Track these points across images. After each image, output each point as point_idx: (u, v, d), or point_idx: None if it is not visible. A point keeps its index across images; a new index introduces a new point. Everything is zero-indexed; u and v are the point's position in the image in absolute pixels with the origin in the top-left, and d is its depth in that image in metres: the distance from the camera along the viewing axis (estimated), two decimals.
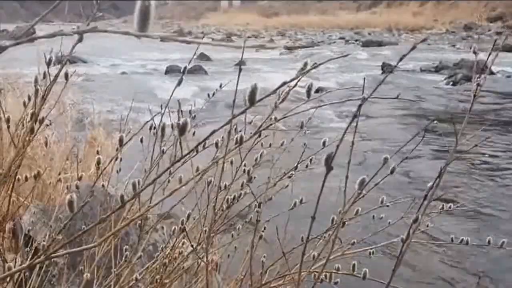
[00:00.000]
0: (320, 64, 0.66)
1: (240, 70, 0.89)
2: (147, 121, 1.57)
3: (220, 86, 2.12)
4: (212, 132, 0.71)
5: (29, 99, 1.58)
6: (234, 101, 0.88)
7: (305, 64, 0.68)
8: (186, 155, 0.69)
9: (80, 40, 0.60)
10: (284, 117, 1.20)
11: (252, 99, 0.62)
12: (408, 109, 10.06)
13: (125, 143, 1.08)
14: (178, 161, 0.69)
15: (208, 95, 2.33)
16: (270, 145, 1.97)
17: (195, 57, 1.72)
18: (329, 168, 0.73)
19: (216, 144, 1.37)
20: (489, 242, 1.59)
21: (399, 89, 12.12)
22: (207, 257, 0.98)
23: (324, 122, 8.74)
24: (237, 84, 0.91)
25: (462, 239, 1.64)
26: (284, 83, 0.63)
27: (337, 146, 0.75)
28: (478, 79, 0.99)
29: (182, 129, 0.67)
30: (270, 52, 24.00)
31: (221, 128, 0.69)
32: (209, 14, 76.07)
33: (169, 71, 15.62)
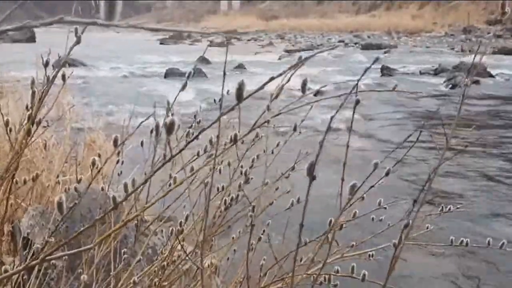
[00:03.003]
0: (310, 57, 0.66)
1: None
2: (142, 121, 1.57)
3: (227, 92, 2.12)
4: (202, 131, 0.71)
5: (31, 103, 1.58)
6: (221, 99, 0.89)
7: (300, 58, 0.68)
8: (176, 154, 0.69)
9: (78, 41, 0.59)
10: (279, 114, 1.20)
11: (239, 96, 0.62)
12: (407, 113, 10.06)
13: (120, 143, 1.08)
14: (168, 161, 0.70)
15: (214, 100, 2.34)
16: (272, 152, 1.97)
17: (194, 60, 1.72)
18: (312, 177, 0.73)
19: (210, 140, 1.37)
20: (488, 243, 1.58)
21: (399, 93, 12.13)
22: (201, 262, 0.98)
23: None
24: (222, 84, 0.91)
25: (462, 241, 1.63)
26: (272, 78, 0.63)
27: (320, 146, 0.75)
28: (466, 80, 0.99)
29: (169, 128, 0.67)
30: (269, 56, 24.05)
31: (212, 127, 0.69)
32: (209, 17, 76.20)
33: (169, 74, 15.61)
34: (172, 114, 1.29)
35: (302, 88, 0.76)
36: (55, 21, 0.47)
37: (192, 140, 0.72)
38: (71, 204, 0.77)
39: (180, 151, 0.69)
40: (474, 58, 1.01)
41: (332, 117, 0.72)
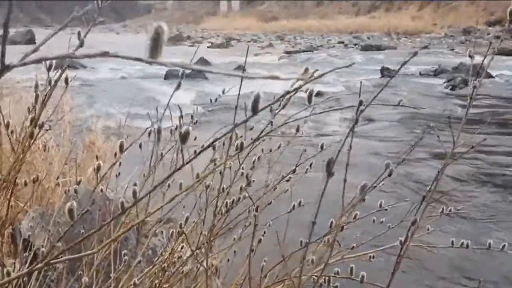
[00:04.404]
0: (324, 74, 0.65)
1: (242, 79, 0.89)
2: (148, 128, 1.56)
3: (223, 92, 2.13)
4: (214, 141, 0.71)
5: (33, 106, 1.58)
6: (236, 108, 0.88)
7: (306, 70, 0.67)
8: (187, 163, 0.69)
9: (81, 45, 0.59)
10: (285, 123, 1.20)
11: (255, 108, 0.62)
12: (408, 113, 10.06)
13: (125, 149, 1.08)
14: (179, 169, 0.69)
15: (210, 100, 2.35)
16: (270, 150, 1.97)
17: (194, 61, 1.72)
18: (330, 173, 0.73)
19: (213, 147, 1.37)
20: (489, 245, 1.58)
21: (399, 94, 12.14)
22: (206, 262, 0.98)
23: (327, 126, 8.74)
24: (239, 92, 0.91)
25: (463, 243, 1.63)
26: (288, 93, 0.62)
27: (338, 151, 0.75)
28: (474, 82, 0.99)
29: (184, 137, 0.66)
30: (269, 57, 24.07)
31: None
32: (208, 18, 76.28)
33: (169, 76, 15.62)
34: (182, 117, 1.29)
35: (308, 99, 0.76)
36: (98, 54, 0.48)
37: (205, 149, 0.72)
38: (78, 207, 0.77)
39: (192, 159, 0.69)
40: (483, 60, 1.01)
41: (348, 133, 0.72)
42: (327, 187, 0.86)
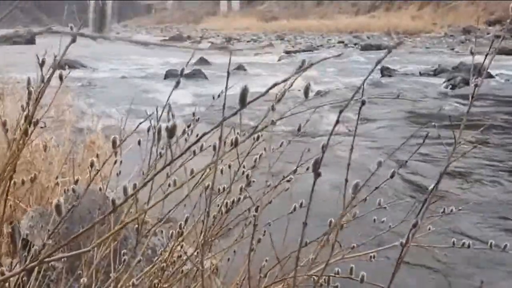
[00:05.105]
0: (314, 63, 0.65)
1: (228, 74, 0.88)
2: (141, 122, 1.56)
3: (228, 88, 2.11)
4: (203, 135, 0.70)
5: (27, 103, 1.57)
6: (224, 104, 0.88)
7: (303, 63, 0.67)
8: (176, 158, 0.68)
9: (73, 40, 0.59)
10: (281, 118, 1.20)
11: (243, 101, 0.61)
12: (409, 112, 10.06)
13: (119, 145, 1.07)
14: (169, 164, 0.69)
15: (213, 97, 2.34)
16: (272, 150, 1.96)
17: (194, 61, 1.72)
18: (317, 174, 0.72)
19: (214, 147, 1.36)
20: (491, 246, 1.57)
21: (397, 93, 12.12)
22: (202, 265, 0.97)
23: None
24: (226, 87, 0.91)
25: (464, 243, 1.62)
26: (275, 84, 0.62)
27: (324, 150, 0.74)
28: (476, 80, 0.98)
29: (171, 131, 0.66)
30: (269, 57, 24.05)
31: (213, 131, 0.68)
32: (208, 18, 76.25)
33: (169, 75, 15.63)
34: (173, 116, 1.29)
35: (305, 92, 0.75)
36: (43, 30, 0.47)
37: (193, 145, 0.71)
38: (70, 206, 0.76)
39: (181, 154, 0.68)
40: (485, 59, 1.00)
41: (334, 125, 0.71)
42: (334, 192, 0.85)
